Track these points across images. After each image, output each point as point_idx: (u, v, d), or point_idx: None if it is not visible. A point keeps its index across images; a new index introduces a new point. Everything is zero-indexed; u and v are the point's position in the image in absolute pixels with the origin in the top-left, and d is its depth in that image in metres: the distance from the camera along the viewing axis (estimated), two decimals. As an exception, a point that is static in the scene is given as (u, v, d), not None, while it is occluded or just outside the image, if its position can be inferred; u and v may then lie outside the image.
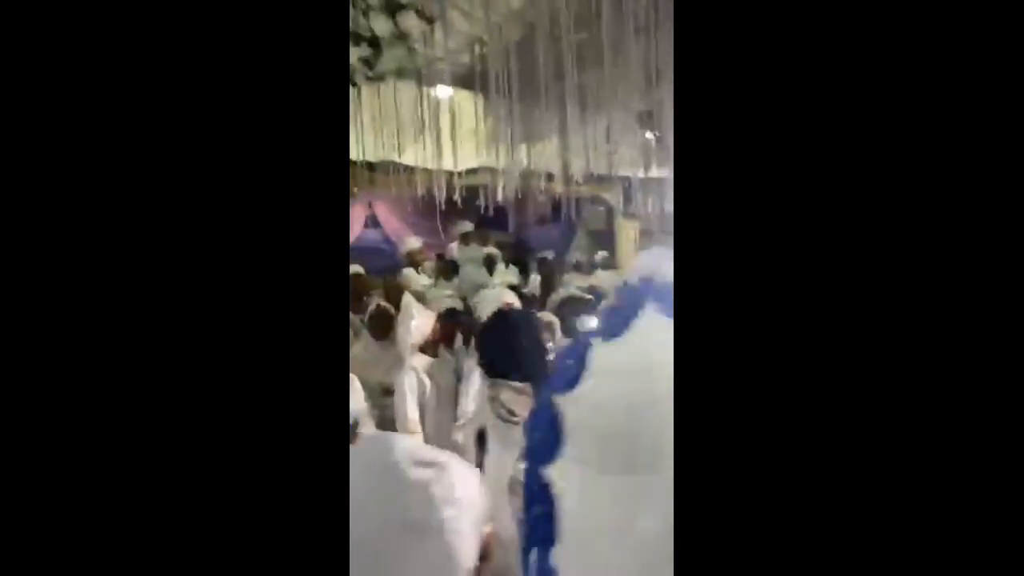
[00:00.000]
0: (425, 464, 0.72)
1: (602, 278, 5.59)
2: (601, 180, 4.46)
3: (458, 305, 3.31)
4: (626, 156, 3.74)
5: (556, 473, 0.64)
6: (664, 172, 4.63)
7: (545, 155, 2.94)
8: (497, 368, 1.58)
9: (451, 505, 0.70)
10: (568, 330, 3.45)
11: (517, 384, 1.50)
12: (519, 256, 6.59)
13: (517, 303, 2.76)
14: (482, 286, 5.02)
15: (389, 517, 0.68)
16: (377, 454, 0.72)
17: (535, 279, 5.50)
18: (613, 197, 5.26)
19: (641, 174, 4.13)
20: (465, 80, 2.50)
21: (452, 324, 3.11)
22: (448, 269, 5.42)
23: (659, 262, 0.76)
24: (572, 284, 5.49)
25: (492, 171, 2.87)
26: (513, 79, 2.38)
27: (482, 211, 3.79)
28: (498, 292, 2.76)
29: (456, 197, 3.11)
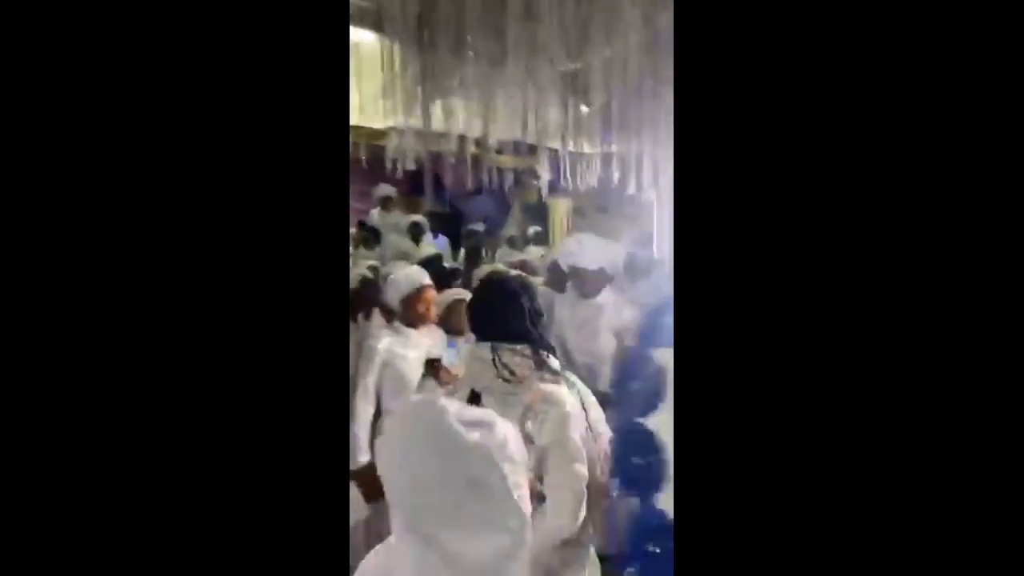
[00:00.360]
0: (475, 424, 0.73)
1: (534, 254, 5.39)
2: (529, 151, 4.21)
3: (380, 275, 3.00)
4: (556, 126, 3.51)
5: (655, 423, 0.71)
6: (597, 148, 4.44)
7: (463, 116, 2.66)
8: (494, 332, 1.59)
9: (507, 461, 0.72)
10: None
11: (517, 347, 1.54)
12: (450, 226, 6.30)
13: (434, 286, 2.47)
14: (407, 255, 4.73)
15: (452, 478, 0.70)
16: (431, 417, 0.73)
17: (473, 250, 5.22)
18: (544, 170, 5.00)
19: (572, 148, 3.92)
20: (370, 19, 2.17)
21: (357, 298, 2.82)
22: (368, 237, 5.07)
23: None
24: (503, 259, 5.27)
25: (399, 131, 2.56)
26: (424, 22, 2.08)
27: (398, 174, 3.47)
28: (409, 273, 2.45)
29: (361, 157, 2.79)
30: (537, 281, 3.53)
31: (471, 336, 2.69)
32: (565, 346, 2.70)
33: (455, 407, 0.75)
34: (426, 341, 2.31)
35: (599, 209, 6.67)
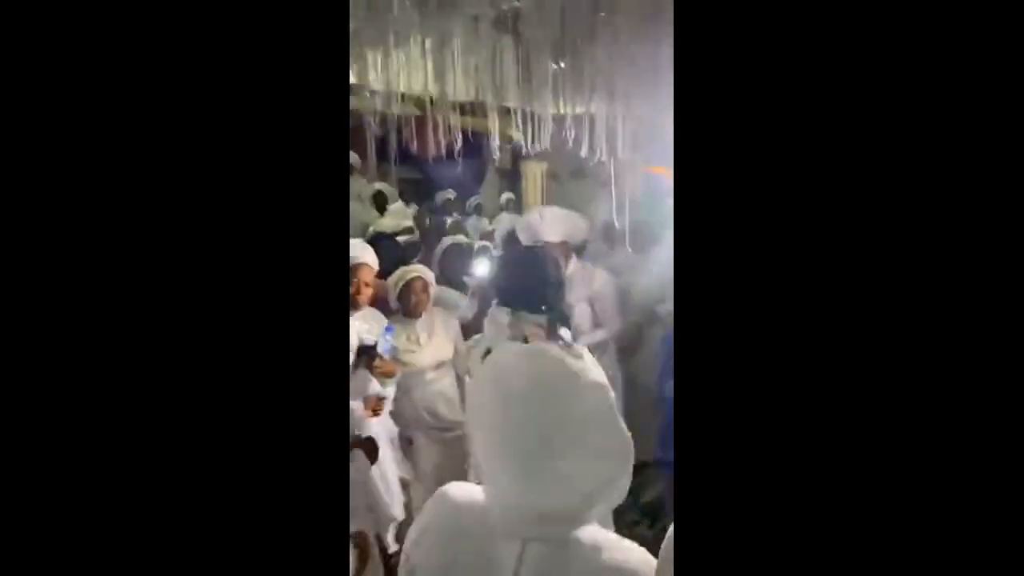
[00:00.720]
0: (586, 368, 0.80)
1: (506, 222, 5.12)
2: (502, 112, 3.90)
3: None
4: (526, 85, 3.22)
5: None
6: (577, 108, 4.14)
7: (407, 73, 2.37)
8: (516, 298, 1.68)
9: (611, 395, 0.80)
10: (450, 282, 2.99)
11: (535, 318, 1.64)
12: (424, 194, 6.00)
13: (374, 264, 2.22)
14: (368, 226, 4.44)
15: (570, 414, 0.76)
16: (549, 361, 0.79)
17: (438, 220, 4.94)
18: (517, 133, 4.69)
19: (539, 108, 3.62)
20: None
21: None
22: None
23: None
24: (475, 229, 5.01)
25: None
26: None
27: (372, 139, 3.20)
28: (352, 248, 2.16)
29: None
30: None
31: (430, 315, 2.55)
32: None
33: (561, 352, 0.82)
34: (359, 326, 2.06)
35: (575, 174, 6.40)
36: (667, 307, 3.36)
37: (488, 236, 4.58)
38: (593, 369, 0.80)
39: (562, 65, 3.43)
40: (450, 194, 5.67)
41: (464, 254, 3.18)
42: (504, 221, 5.25)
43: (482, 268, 2.89)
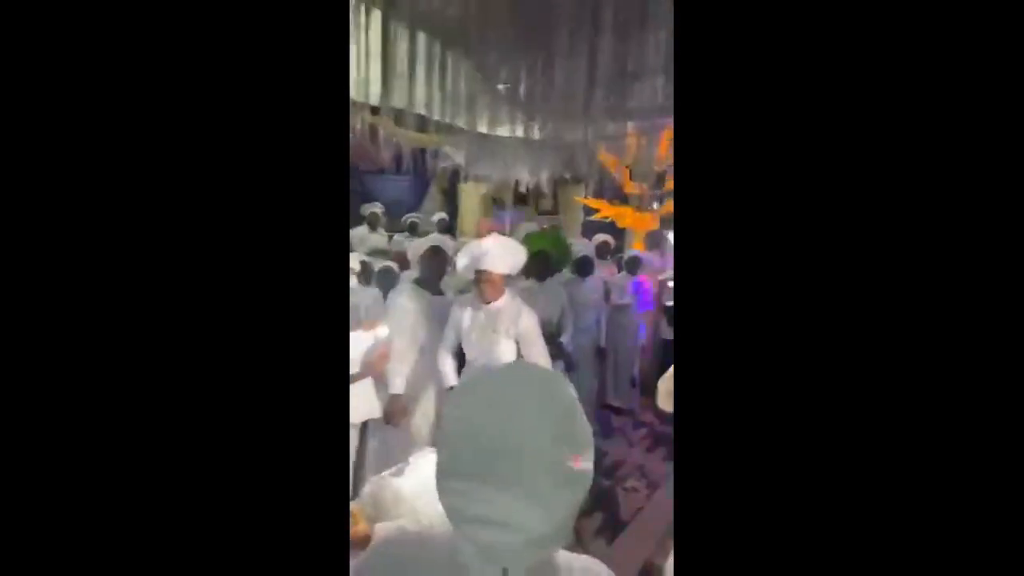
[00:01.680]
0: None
1: (431, 241, 4.83)
2: (445, 130, 3.70)
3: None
4: (468, 104, 3.04)
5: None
6: (513, 131, 3.99)
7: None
8: None
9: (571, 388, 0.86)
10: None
11: None
12: (357, 208, 5.66)
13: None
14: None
15: (549, 410, 0.77)
16: (523, 366, 0.86)
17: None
18: (458, 153, 4.49)
19: (487, 129, 3.45)
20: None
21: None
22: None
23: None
24: (397, 246, 4.71)
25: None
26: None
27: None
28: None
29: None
30: (409, 275, 3.06)
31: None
32: (463, 353, 2.54)
33: None
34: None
35: (518, 200, 6.26)
36: (567, 338, 3.29)
37: (400, 257, 4.29)
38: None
39: (505, 86, 3.26)
40: (376, 207, 5.35)
41: (363, 276, 2.95)
42: (430, 240, 4.97)
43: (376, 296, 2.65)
